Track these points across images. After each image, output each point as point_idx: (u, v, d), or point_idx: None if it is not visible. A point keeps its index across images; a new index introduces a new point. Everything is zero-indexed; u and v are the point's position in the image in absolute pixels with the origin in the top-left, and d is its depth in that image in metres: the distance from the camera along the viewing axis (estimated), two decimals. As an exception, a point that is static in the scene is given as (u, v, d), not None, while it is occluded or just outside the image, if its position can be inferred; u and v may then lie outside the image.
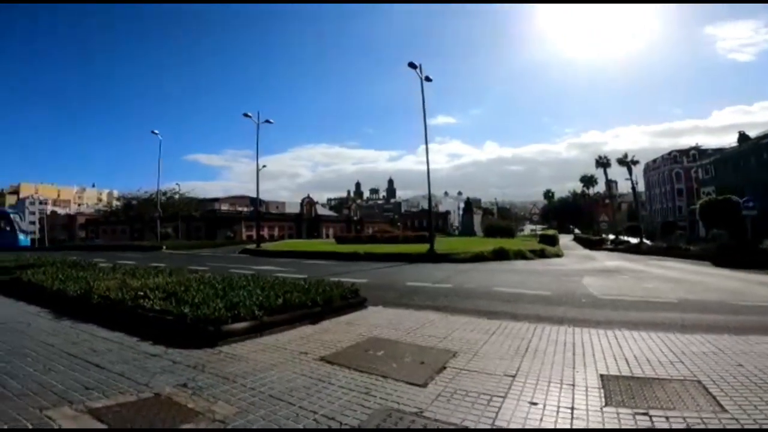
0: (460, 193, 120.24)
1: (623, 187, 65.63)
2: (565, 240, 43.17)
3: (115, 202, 70.22)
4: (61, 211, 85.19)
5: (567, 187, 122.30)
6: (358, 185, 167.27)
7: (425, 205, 56.22)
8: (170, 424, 2.23)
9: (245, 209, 59.37)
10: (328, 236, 57.08)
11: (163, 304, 4.79)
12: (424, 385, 3.01)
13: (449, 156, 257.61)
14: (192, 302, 4.73)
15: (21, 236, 35.43)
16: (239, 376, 3.12)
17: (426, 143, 20.80)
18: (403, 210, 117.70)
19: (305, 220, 66.09)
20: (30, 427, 2.16)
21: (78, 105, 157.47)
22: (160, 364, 3.38)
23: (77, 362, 3.40)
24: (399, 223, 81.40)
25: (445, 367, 3.45)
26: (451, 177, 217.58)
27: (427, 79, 20.45)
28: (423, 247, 19.62)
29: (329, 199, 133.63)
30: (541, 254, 20.21)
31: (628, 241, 37.06)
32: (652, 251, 26.88)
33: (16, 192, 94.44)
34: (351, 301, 6.08)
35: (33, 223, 76.81)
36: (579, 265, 16.33)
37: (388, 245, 24.23)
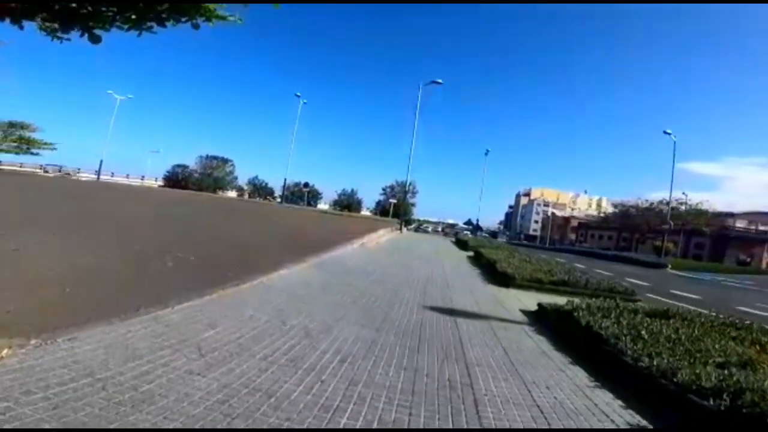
0: None
1: None
2: None
3: (610, 208, 71.74)
4: (558, 213, 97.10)
5: None
6: None
7: None
8: None
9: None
10: None
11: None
12: None
13: None
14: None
15: None
16: None
17: None
18: None
19: None
20: None
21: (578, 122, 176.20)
22: None
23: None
24: None
25: None
26: None
27: None
28: None
29: None
30: None
31: None
32: None
33: (528, 194, 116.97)
34: None
35: (536, 222, 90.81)
36: None
37: None
